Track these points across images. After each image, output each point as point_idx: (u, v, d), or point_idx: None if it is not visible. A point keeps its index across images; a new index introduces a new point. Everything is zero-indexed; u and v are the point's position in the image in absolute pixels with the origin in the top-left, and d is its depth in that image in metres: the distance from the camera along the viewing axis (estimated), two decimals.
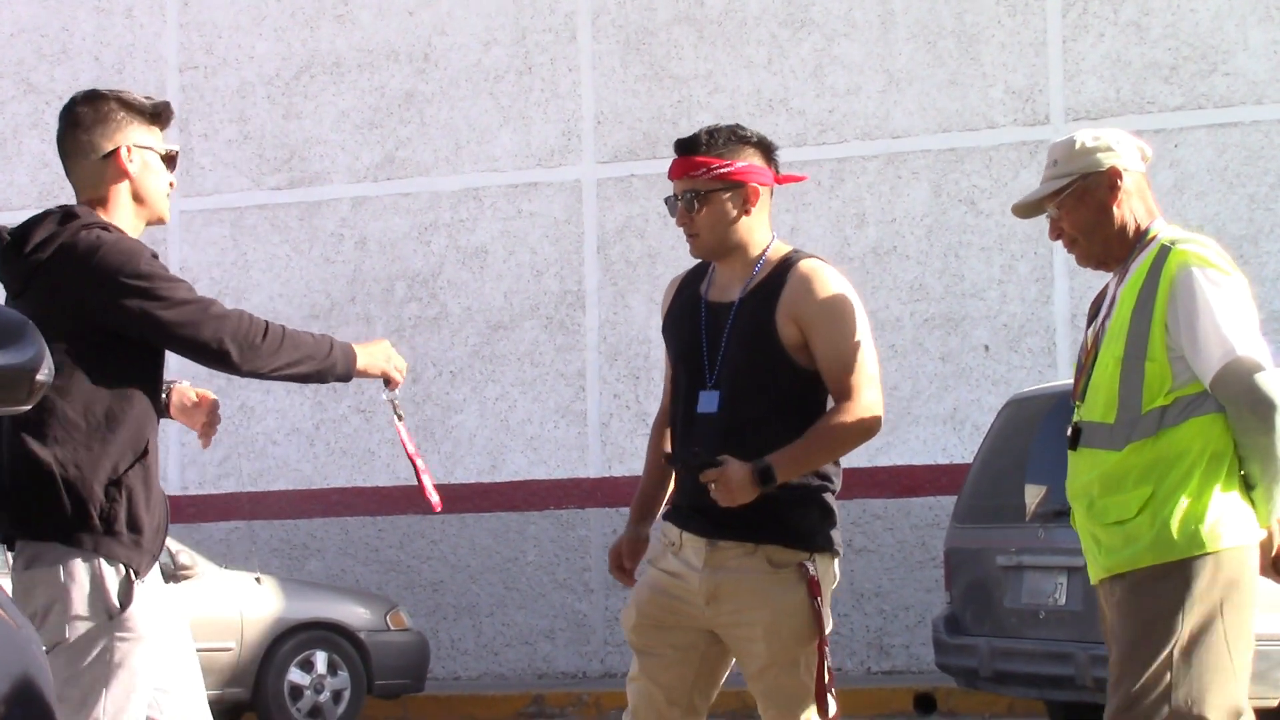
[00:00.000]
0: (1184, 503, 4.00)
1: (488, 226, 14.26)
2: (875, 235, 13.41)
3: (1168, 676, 3.97)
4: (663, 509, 4.59)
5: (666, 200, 4.51)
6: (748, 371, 4.34)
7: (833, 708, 4.32)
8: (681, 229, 4.45)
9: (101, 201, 4.09)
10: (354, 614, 11.58)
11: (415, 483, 4.47)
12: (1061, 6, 13.29)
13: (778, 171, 4.54)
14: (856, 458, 13.52)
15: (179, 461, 14.69)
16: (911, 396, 13.29)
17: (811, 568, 4.33)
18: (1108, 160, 4.18)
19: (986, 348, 13.28)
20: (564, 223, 14.06)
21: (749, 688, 4.43)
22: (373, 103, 14.53)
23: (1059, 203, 4.20)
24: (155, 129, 4.14)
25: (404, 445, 4.47)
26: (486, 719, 12.51)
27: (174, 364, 4.24)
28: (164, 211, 4.14)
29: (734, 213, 4.42)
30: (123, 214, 4.09)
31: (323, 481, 14.41)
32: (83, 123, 4.11)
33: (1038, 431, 9.24)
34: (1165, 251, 4.10)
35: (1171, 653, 3.96)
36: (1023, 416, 9.24)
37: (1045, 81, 13.30)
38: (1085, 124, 13.23)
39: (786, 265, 4.42)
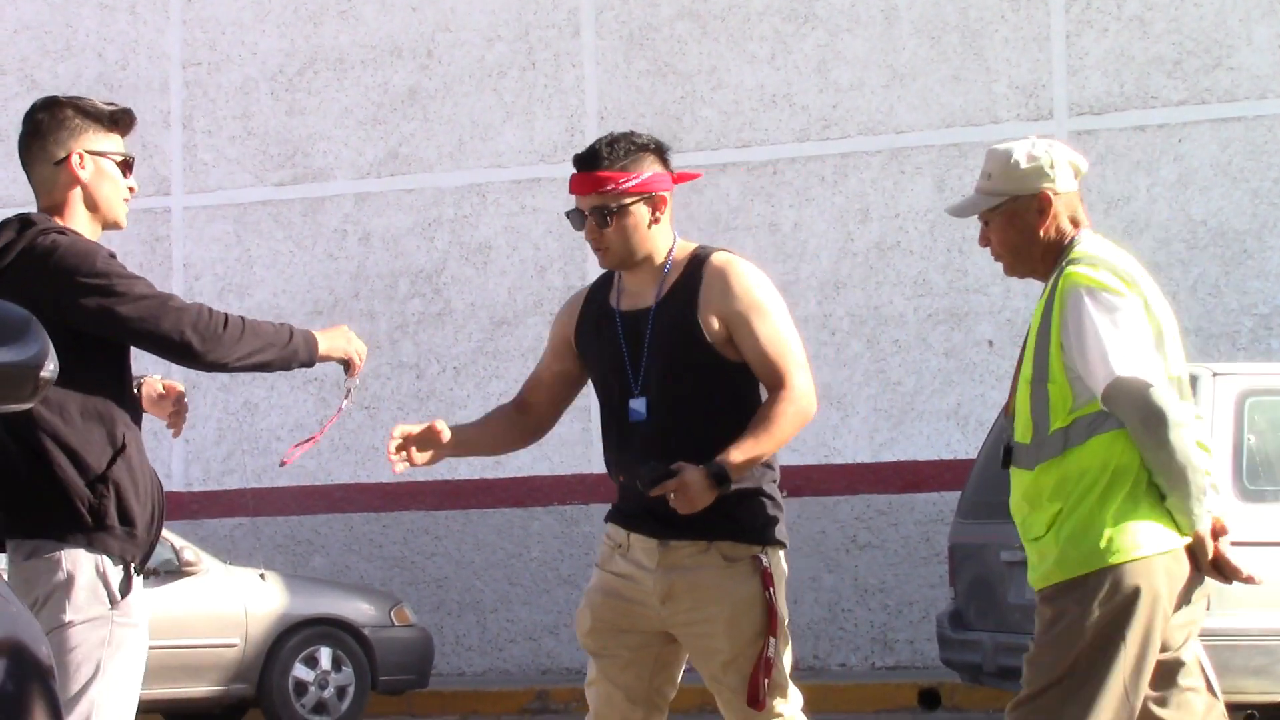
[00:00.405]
0: (1084, 519, 4.08)
1: (491, 222, 14.26)
2: (879, 230, 13.41)
3: (1061, 690, 4.07)
4: (608, 511, 4.62)
5: (569, 214, 4.51)
6: (672, 374, 4.37)
7: (768, 699, 4.36)
8: (588, 241, 4.47)
9: (57, 207, 4.16)
10: (358, 610, 11.58)
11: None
12: (1065, 2, 13.27)
13: (673, 172, 4.55)
14: (860, 453, 13.55)
15: (183, 458, 14.70)
16: (915, 392, 13.29)
17: (764, 560, 4.39)
18: (1040, 184, 4.24)
19: (990, 343, 13.28)
20: (567, 218, 14.05)
21: (710, 686, 4.44)
22: (376, 99, 14.52)
23: (987, 218, 4.28)
24: (113, 135, 4.20)
25: (327, 421, 4.45)
26: (491, 714, 12.52)
27: (148, 360, 4.24)
28: (119, 217, 4.21)
29: (644, 223, 4.43)
30: (78, 219, 4.15)
31: (326, 478, 14.41)
32: (39, 130, 4.18)
33: None
34: (1061, 274, 4.18)
35: (1069, 667, 4.06)
36: None
37: (1049, 76, 13.29)
38: (1089, 119, 13.23)
39: (697, 263, 4.44)
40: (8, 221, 4.13)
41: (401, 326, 14.41)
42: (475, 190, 14.30)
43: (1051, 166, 4.25)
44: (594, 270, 13.98)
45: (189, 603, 10.98)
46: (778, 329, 4.41)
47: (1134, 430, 4.02)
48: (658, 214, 4.45)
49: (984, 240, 4.30)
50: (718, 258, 4.45)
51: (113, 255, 4.07)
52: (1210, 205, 12.97)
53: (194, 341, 4.02)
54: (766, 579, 4.38)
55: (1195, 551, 4.14)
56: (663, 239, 4.48)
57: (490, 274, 14.22)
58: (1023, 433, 4.18)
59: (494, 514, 13.99)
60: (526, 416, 4.66)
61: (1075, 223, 4.28)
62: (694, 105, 13.86)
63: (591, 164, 4.42)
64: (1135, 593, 4.05)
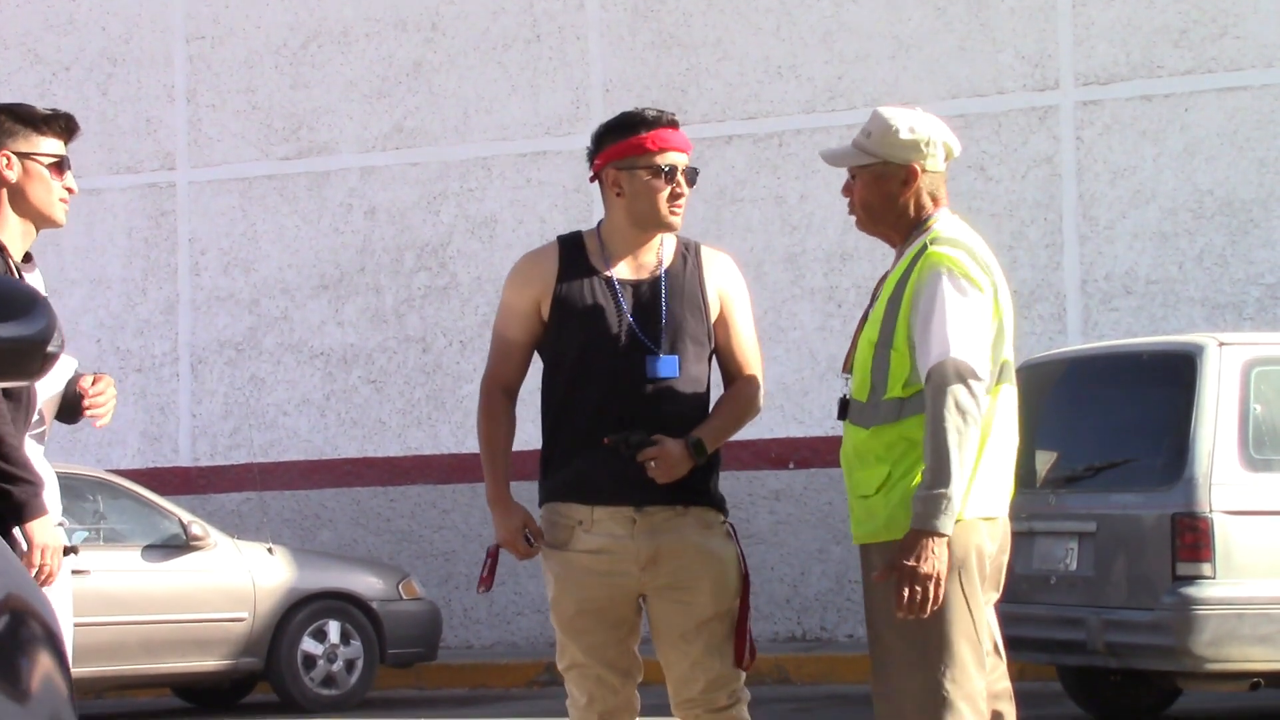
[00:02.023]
0: (913, 486, 4.24)
1: (497, 196, 14.25)
2: None
3: (894, 648, 4.27)
4: (547, 492, 4.64)
5: (665, 169, 4.52)
6: (689, 338, 4.54)
7: (751, 655, 4.58)
8: (676, 203, 4.53)
9: None
10: (366, 584, 11.61)
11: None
12: None
13: None
14: None
15: (190, 433, 14.72)
16: None
17: (732, 528, 4.63)
18: (911, 158, 4.39)
19: None
20: (573, 191, 14.05)
21: (671, 648, 4.54)
22: (381, 72, 14.51)
23: (855, 173, 4.44)
24: (48, 137, 4.41)
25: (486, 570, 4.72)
26: (499, 687, 12.55)
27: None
28: (52, 214, 4.42)
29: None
30: (7, 217, 4.38)
31: (333, 452, 14.43)
32: None
33: (1048, 398, 9.24)
34: (924, 250, 4.32)
35: (897, 625, 4.24)
36: (1033, 382, 9.23)
37: (1055, 46, 13.26)
38: (1095, 89, 13.20)
39: (690, 247, 4.62)
40: None
41: (407, 300, 14.42)
42: (480, 163, 14.29)
43: (927, 144, 4.40)
44: None
45: (197, 577, 11.01)
46: (752, 326, 4.69)
47: (931, 407, 4.16)
48: None
49: (846, 190, 4.47)
50: (707, 245, 4.69)
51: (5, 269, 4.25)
52: (1217, 175, 12.95)
53: None
54: (739, 545, 4.62)
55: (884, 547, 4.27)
56: None
57: (496, 247, 14.21)
58: (859, 390, 4.36)
59: None
60: (514, 397, 4.73)
61: (935, 200, 4.42)
62: (699, 77, 13.84)
63: (677, 125, 4.61)
64: (955, 559, 4.21)
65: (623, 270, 4.57)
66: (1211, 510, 8.09)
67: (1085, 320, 13.11)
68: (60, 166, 4.38)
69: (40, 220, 4.40)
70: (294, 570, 11.41)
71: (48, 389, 4.39)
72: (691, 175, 4.55)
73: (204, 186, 14.81)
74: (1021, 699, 9.92)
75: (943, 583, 4.15)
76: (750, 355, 4.61)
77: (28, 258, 4.41)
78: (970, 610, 4.25)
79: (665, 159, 4.53)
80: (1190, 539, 8.10)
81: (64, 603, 4.33)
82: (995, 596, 4.45)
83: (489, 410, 4.67)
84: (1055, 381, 9.32)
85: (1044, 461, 8.90)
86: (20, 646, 2.25)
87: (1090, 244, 13.15)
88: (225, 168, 14.74)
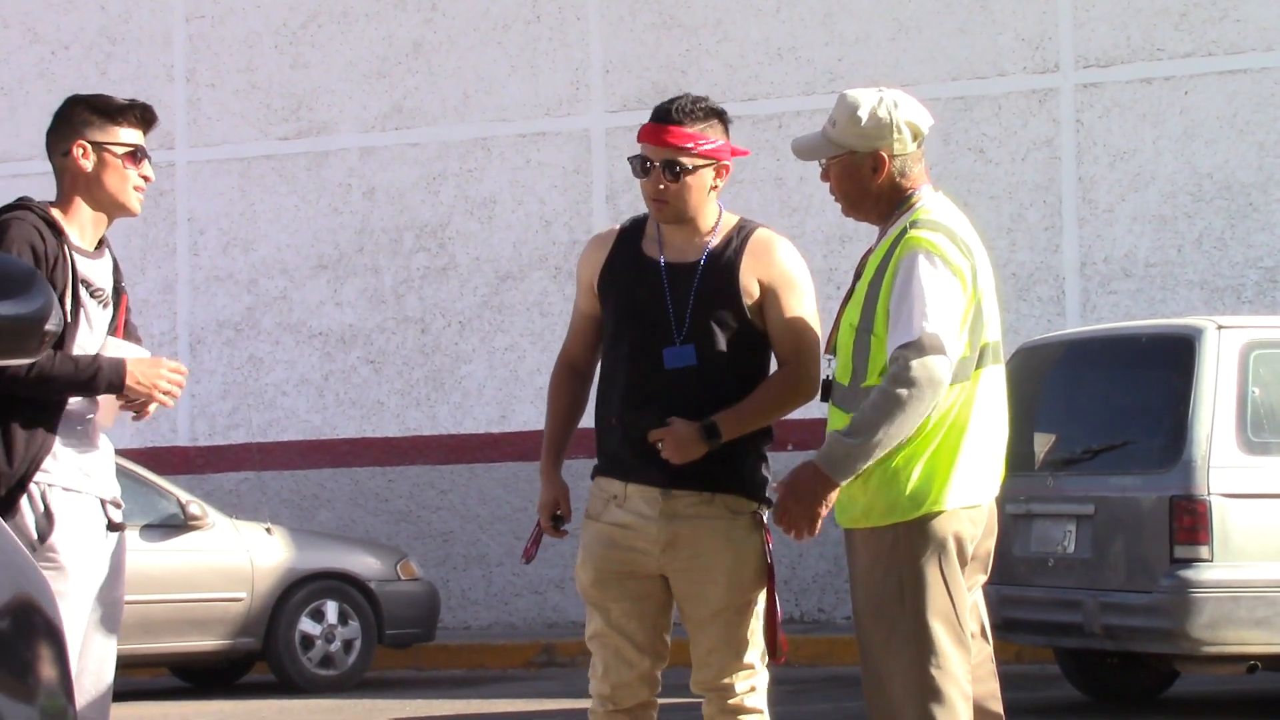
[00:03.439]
0: (891, 472, 4.26)
1: (496, 176, 14.24)
2: None
3: (877, 633, 4.30)
4: (595, 465, 4.71)
5: (633, 160, 4.62)
6: (712, 327, 4.54)
7: (781, 648, 4.57)
8: (656, 194, 4.57)
9: (63, 195, 4.47)
10: (364, 564, 11.61)
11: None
12: None
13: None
14: None
15: (189, 413, 14.72)
16: None
17: (765, 516, 4.58)
18: (877, 144, 4.37)
19: None
20: (572, 172, 14.03)
21: (691, 631, 4.59)
22: (380, 52, 14.48)
23: (829, 163, 4.45)
24: (123, 127, 4.48)
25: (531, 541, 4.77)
26: (497, 668, 12.57)
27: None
28: (127, 203, 4.48)
29: (707, 186, 4.61)
30: (79, 206, 4.45)
31: (332, 432, 14.43)
32: (55, 125, 4.52)
33: (1047, 380, 9.24)
34: (904, 233, 4.32)
35: (878, 610, 4.28)
36: (1031, 365, 9.24)
37: (1055, 28, 13.24)
38: (1095, 71, 13.19)
39: (743, 231, 4.63)
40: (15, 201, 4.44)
41: (406, 281, 14.41)
42: (480, 144, 14.27)
43: (893, 128, 4.38)
44: (599, 224, 14.01)
45: (195, 557, 11.02)
46: (805, 311, 4.61)
47: (889, 376, 4.17)
48: (718, 180, 4.63)
49: (824, 176, 4.48)
50: (763, 231, 4.67)
51: (37, 258, 4.24)
52: (1216, 158, 12.94)
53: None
54: (767, 534, 4.57)
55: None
56: (712, 204, 4.64)
57: (495, 228, 14.20)
58: (842, 374, 4.37)
59: (500, 468, 14.02)
60: (581, 374, 4.78)
61: (914, 181, 4.41)
62: (699, 58, 13.82)
63: (671, 119, 4.58)
64: (935, 544, 4.24)
65: (671, 253, 4.61)
66: (1209, 493, 8.10)
67: (1084, 303, 13.11)
68: (136, 155, 4.45)
69: (114, 209, 4.46)
70: (292, 550, 11.42)
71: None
72: (663, 170, 4.53)
73: (203, 166, 14.79)
74: (1019, 681, 9.91)
75: (817, 515, 4.22)
76: (795, 343, 4.56)
77: (101, 244, 4.46)
78: (950, 594, 4.26)
79: (643, 152, 4.61)
80: (1188, 522, 8.10)
81: (117, 577, 4.39)
82: (983, 579, 4.46)
83: (551, 384, 4.81)
84: (1054, 364, 9.32)
85: (1042, 444, 8.90)
86: (24, 644, 2.24)
87: (1089, 227, 13.14)
88: (224, 147, 14.72)
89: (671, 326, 4.53)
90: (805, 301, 4.60)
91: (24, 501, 4.27)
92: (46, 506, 4.28)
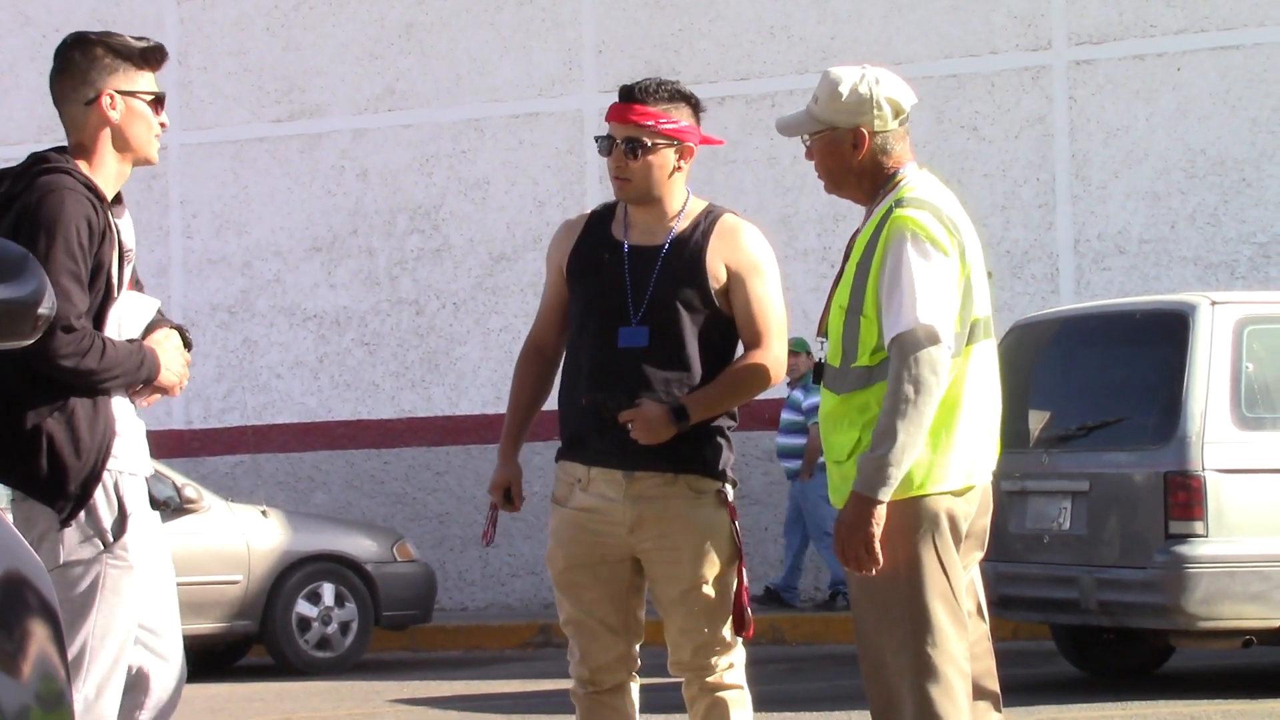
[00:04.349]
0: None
1: (489, 157, 14.22)
2: None
3: (872, 612, 4.29)
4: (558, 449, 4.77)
5: (599, 139, 4.68)
6: (676, 309, 4.57)
7: (748, 625, 4.60)
8: (616, 173, 4.62)
9: (85, 146, 4.18)
10: (361, 546, 11.62)
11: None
12: None
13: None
14: None
15: (183, 396, 14.71)
16: None
17: (729, 493, 4.62)
18: (858, 121, 4.37)
19: (990, 274, 13.25)
20: (565, 153, 14.02)
21: (663, 612, 4.62)
22: (373, 34, 14.46)
23: (812, 140, 4.46)
24: (145, 72, 4.20)
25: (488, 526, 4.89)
26: (494, 649, 12.58)
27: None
28: (151, 154, 4.23)
29: (669, 167, 4.63)
30: (105, 158, 4.18)
31: (327, 415, 14.43)
32: (69, 68, 4.18)
33: (1041, 357, 9.25)
34: (890, 212, 4.30)
35: (873, 590, 4.26)
36: (1026, 342, 9.24)
37: (1047, 6, 13.23)
38: (1088, 48, 13.17)
39: (710, 216, 4.66)
40: (31, 155, 4.16)
41: (400, 263, 14.40)
42: (473, 125, 14.26)
43: (873, 104, 4.38)
44: (592, 205, 13.95)
45: (191, 540, 11.01)
46: (770, 294, 4.65)
47: (892, 376, 4.17)
48: (682, 162, 4.65)
49: (809, 155, 4.48)
50: (730, 216, 4.69)
51: (90, 225, 4.04)
52: (1209, 134, 12.94)
53: (54, 354, 3.98)
54: (732, 512, 4.62)
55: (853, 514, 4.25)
56: (679, 187, 4.67)
57: (489, 209, 14.19)
58: (833, 355, 4.37)
59: (495, 449, 13.90)
60: (547, 358, 4.83)
61: (897, 159, 4.40)
62: (692, 38, 13.80)
63: (635, 97, 4.62)
64: (929, 522, 4.23)
65: (636, 237, 4.66)
66: (1204, 469, 8.11)
67: (1078, 280, 13.11)
68: (159, 103, 4.18)
69: (137, 159, 4.21)
70: (288, 533, 11.42)
71: (130, 332, 4.21)
72: (624, 147, 4.56)
73: (195, 149, 14.77)
74: (1015, 658, 9.92)
75: (875, 545, 4.17)
76: (760, 327, 4.60)
77: (118, 199, 4.22)
78: (946, 572, 4.25)
79: (609, 131, 4.65)
80: (1183, 497, 8.12)
81: (165, 561, 4.23)
82: (979, 556, 4.46)
83: (516, 367, 4.86)
84: (1048, 341, 9.32)
85: (1037, 421, 8.91)
86: (17, 621, 2.24)
87: (1083, 204, 13.13)
88: (217, 130, 14.70)
89: (630, 307, 4.56)
90: (771, 286, 4.64)
91: (99, 495, 4.04)
92: (120, 501, 4.08)
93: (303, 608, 11.35)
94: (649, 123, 4.58)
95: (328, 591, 11.42)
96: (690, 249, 4.59)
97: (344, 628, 11.47)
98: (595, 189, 13.88)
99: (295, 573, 11.32)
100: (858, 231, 4.42)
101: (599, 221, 4.73)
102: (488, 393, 14.11)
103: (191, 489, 11.09)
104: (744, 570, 4.60)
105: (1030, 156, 13.23)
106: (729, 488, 4.63)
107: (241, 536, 11.23)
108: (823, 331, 4.44)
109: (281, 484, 14.36)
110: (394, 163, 14.43)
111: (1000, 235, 13.17)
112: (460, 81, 14.28)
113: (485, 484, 14.57)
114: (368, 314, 14.46)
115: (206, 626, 11.09)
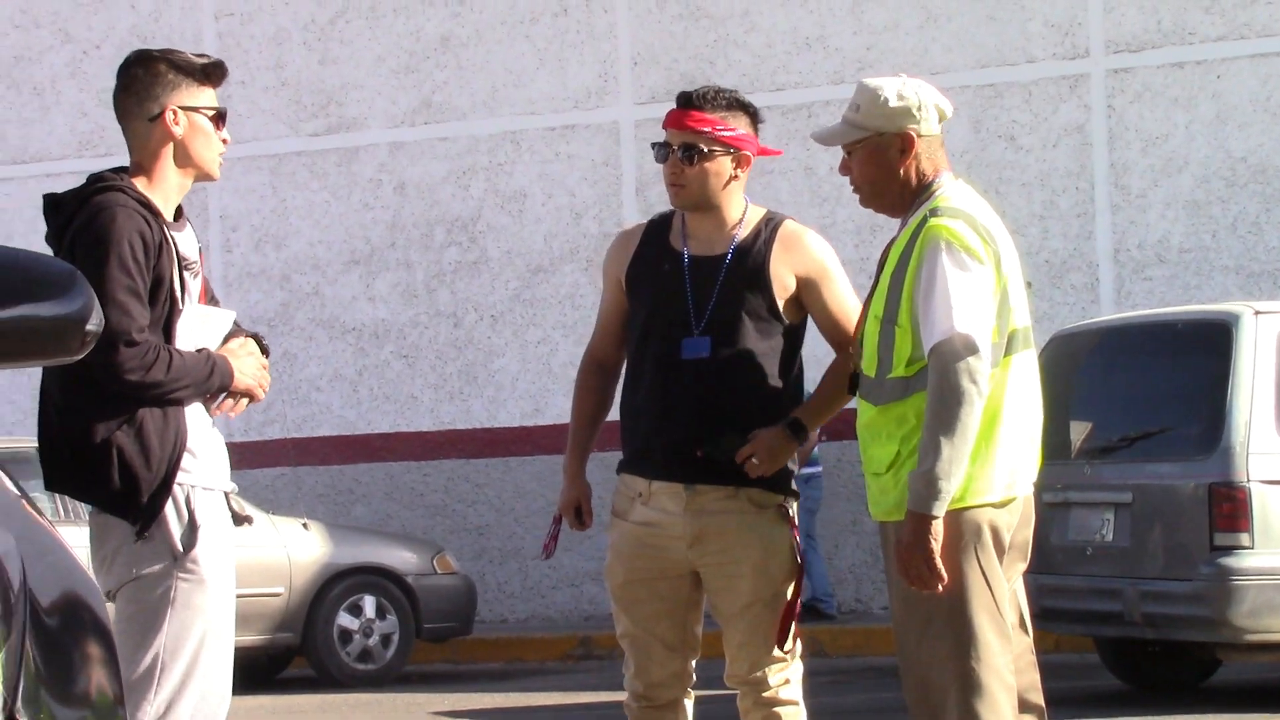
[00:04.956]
0: None
1: (526, 170, 14.24)
2: None
3: (914, 625, 4.26)
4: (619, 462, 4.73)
5: (655, 146, 4.66)
6: (739, 319, 4.54)
7: (791, 643, 4.56)
8: (672, 179, 4.59)
9: (147, 162, 4.19)
10: (401, 558, 11.63)
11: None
12: None
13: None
14: None
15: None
16: None
17: (791, 508, 4.59)
18: (904, 124, 4.33)
19: (1029, 284, 13.20)
20: (602, 165, 14.03)
21: (724, 626, 4.60)
22: (409, 47, 14.50)
23: (850, 149, 4.40)
24: (207, 88, 4.21)
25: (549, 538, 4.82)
26: (534, 661, 12.58)
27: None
28: (213, 171, 4.24)
29: (726, 175, 4.60)
30: (166, 174, 4.19)
31: (366, 427, 14.46)
32: (132, 85, 4.19)
33: (1082, 368, 9.21)
34: (925, 221, 4.27)
35: (915, 602, 4.21)
36: (1066, 353, 9.20)
37: (1084, 14, 13.19)
38: (1126, 56, 13.12)
39: (770, 224, 4.64)
40: (90, 176, 4.18)
41: (438, 275, 14.43)
42: (509, 138, 14.28)
43: (919, 108, 4.35)
44: (629, 217, 14.00)
45: (234, 552, 11.02)
46: (846, 294, 4.65)
47: (932, 388, 4.14)
48: (739, 171, 4.62)
49: (844, 169, 4.44)
50: (792, 223, 4.68)
51: (145, 244, 4.04)
52: (1249, 142, 12.87)
53: (118, 369, 3.99)
54: (793, 527, 4.58)
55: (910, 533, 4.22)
56: (737, 196, 4.64)
57: (526, 221, 14.21)
58: (868, 366, 4.34)
59: (534, 461, 14.02)
60: (607, 371, 4.79)
61: (936, 167, 4.37)
62: (727, 49, 13.80)
63: (692, 104, 4.60)
64: (971, 535, 4.20)
65: (696, 247, 4.62)
66: (1249, 479, 8.05)
67: (1118, 290, 13.05)
68: (220, 118, 4.20)
69: (200, 176, 4.23)
70: (329, 545, 11.44)
71: (206, 344, 4.20)
72: (680, 154, 4.54)
73: (234, 163, 14.81)
74: (1059, 671, 9.86)
75: (936, 561, 4.14)
76: (846, 327, 4.57)
77: (179, 213, 4.23)
78: (989, 585, 4.23)
79: (666, 137, 4.64)
80: (1228, 509, 8.06)
81: (230, 572, 4.20)
82: (1022, 567, 4.43)
83: (577, 381, 4.81)
84: (1089, 352, 9.28)
85: (1079, 432, 8.87)
86: (74, 645, 2.24)
87: (1122, 213, 13.08)
88: (255, 144, 14.75)
89: (692, 318, 4.53)
90: (843, 286, 4.63)
91: (169, 508, 4.05)
92: (191, 513, 4.07)
93: (344, 620, 11.37)
94: (705, 129, 4.56)
95: (369, 604, 11.44)
96: (754, 258, 4.57)
97: (385, 640, 11.48)
98: (631, 201, 13.87)
99: (336, 585, 11.34)
100: (893, 241, 4.39)
101: (656, 231, 4.69)
102: (526, 405, 14.12)
103: (233, 501, 11.10)
104: (800, 586, 4.57)
105: (1069, 165, 13.18)
106: (792, 502, 4.60)
107: (283, 549, 11.26)
108: (857, 341, 4.42)
109: (322, 496, 14.39)
110: (431, 175, 14.46)
111: (1039, 245, 13.12)
112: (496, 94, 14.31)
113: (524, 496, 14.61)
114: (406, 326, 14.49)
115: (248, 639, 11.10)
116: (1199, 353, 8.60)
